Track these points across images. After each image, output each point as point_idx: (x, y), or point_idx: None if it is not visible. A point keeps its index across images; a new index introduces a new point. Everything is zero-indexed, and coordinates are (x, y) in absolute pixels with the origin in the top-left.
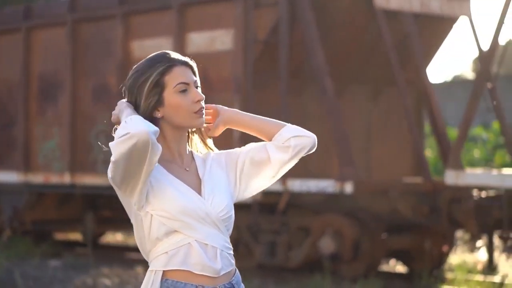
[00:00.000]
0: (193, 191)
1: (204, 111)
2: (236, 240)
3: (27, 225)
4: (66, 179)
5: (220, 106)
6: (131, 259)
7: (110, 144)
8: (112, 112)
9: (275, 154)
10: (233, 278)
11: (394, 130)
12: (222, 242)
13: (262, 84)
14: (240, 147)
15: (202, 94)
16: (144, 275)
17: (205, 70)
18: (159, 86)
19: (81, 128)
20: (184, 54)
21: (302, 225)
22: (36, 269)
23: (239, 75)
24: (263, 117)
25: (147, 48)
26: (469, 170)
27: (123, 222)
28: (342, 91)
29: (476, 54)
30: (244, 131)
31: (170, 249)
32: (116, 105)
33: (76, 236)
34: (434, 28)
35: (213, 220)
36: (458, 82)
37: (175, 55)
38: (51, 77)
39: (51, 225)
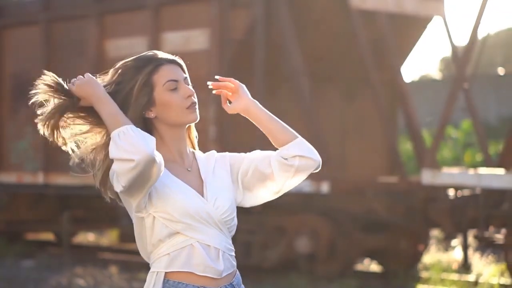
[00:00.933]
0: (195, 192)
1: (196, 106)
2: None
3: (0, 225)
4: (39, 179)
5: (244, 87)
6: (104, 259)
7: (114, 167)
8: (76, 82)
9: (278, 171)
10: (234, 279)
11: (369, 130)
12: (224, 244)
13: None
14: (215, 147)
15: (193, 89)
16: (118, 275)
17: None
18: (148, 86)
19: None
20: None
21: (278, 225)
22: (10, 270)
23: (214, 75)
24: (278, 121)
25: (122, 47)
26: (445, 170)
27: (96, 222)
28: (317, 90)
29: (447, 54)
30: (255, 123)
31: (172, 251)
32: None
33: (47, 236)
34: (409, 28)
35: (215, 221)
36: (425, 82)
37: (162, 54)
38: (24, 76)
39: (24, 226)
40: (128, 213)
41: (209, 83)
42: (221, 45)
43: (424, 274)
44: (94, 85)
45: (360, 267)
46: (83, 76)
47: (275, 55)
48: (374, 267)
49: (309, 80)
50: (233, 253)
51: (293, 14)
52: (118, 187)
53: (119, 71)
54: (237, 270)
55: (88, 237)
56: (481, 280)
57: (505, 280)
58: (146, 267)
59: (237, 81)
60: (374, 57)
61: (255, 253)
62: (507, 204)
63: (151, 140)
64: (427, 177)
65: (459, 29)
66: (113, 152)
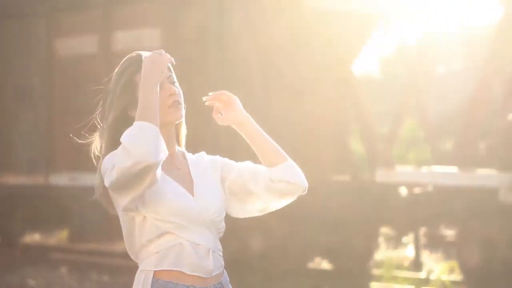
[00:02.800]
0: (185, 191)
1: (180, 105)
2: None
3: None
4: None
5: (237, 100)
6: (54, 259)
7: (119, 148)
8: (148, 59)
9: (264, 192)
10: (222, 278)
11: (322, 128)
12: (214, 243)
13: (192, 83)
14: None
15: (177, 88)
16: (69, 276)
17: None
18: (131, 86)
19: (2, 127)
20: (110, 53)
21: (230, 224)
22: None
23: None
24: (269, 139)
25: (72, 47)
26: (399, 167)
27: (43, 223)
28: (270, 89)
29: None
30: (246, 138)
31: (161, 249)
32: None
33: None
34: (360, 27)
35: (205, 221)
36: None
37: (146, 53)
38: None
39: None
40: (117, 211)
41: (204, 98)
42: (174, 43)
43: (376, 272)
44: (154, 59)
45: (312, 265)
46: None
47: (229, 53)
48: (326, 265)
49: (262, 78)
50: (221, 253)
51: (247, 12)
52: (108, 180)
53: (113, 73)
54: (225, 270)
55: (35, 238)
56: (432, 277)
57: (455, 277)
58: (96, 267)
59: (230, 93)
60: (327, 55)
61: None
62: (459, 202)
63: (163, 151)
64: (382, 174)
65: (408, 28)
66: (125, 137)
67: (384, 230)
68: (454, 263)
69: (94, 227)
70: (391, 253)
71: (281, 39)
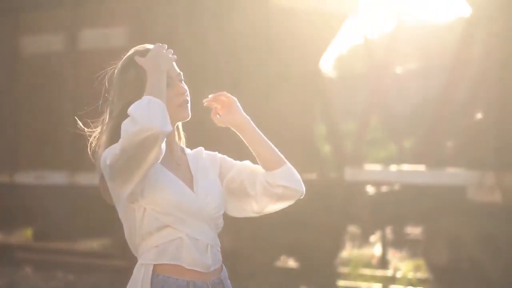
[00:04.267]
0: (185, 186)
1: (188, 105)
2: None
3: None
4: None
5: (237, 102)
6: (18, 258)
7: (123, 123)
8: (152, 52)
9: (261, 195)
10: (221, 273)
11: (290, 126)
12: (212, 238)
13: None
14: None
15: (186, 87)
16: (34, 275)
17: (99, 67)
18: (142, 80)
19: None
20: (77, 51)
21: None
22: None
23: None
24: (268, 143)
25: (38, 44)
26: (367, 166)
27: (8, 222)
28: (238, 86)
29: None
30: (245, 141)
31: (160, 243)
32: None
33: None
34: (327, 25)
35: (204, 216)
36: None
37: (151, 47)
38: None
39: None
40: (115, 205)
41: (204, 100)
42: (142, 42)
43: (342, 270)
44: (158, 52)
45: (279, 263)
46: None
47: (197, 51)
48: (292, 263)
49: (231, 76)
50: (219, 248)
51: (216, 10)
52: (110, 157)
53: (120, 62)
54: (223, 265)
55: None
56: (398, 275)
57: (421, 275)
58: (62, 266)
59: (229, 94)
60: (295, 54)
61: None
62: (427, 200)
63: (169, 124)
64: (350, 173)
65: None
66: (133, 107)
67: (352, 228)
68: (420, 261)
69: (59, 226)
70: (358, 251)
71: (249, 38)
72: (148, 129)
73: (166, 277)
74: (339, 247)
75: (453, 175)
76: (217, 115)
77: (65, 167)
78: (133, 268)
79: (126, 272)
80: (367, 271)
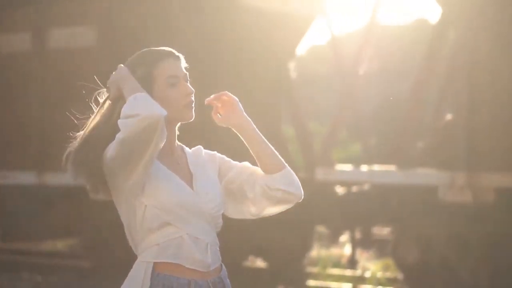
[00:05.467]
0: (185, 184)
1: (193, 105)
2: (96, 237)
3: None
4: None
5: (239, 102)
6: None
7: (119, 121)
8: (112, 75)
9: (260, 198)
10: (221, 272)
11: (256, 126)
12: (212, 237)
13: None
14: None
15: (192, 88)
16: (1, 275)
17: (67, 66)
18: (148, 80)
19: None
20: (44, 51)
21: None
22: None
23: (103, 72)
24: (269, 145)
25: (5, 43)
26: (338, 166)
27: None
28: (205, 85)
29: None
30: (246, 142)
31: (162, 241)
32: None
33: None
34: (295, 26)
35: (205, 215)
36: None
37: (165, 49)
38: None
39: None
40: (115, 203)
41: (206, 100)
42: (111, 41)
43: (311, 270)
44: (119, 70)
45: (247, 263)
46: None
47: None
48: (261, 263)
49: (199, 76)
50: (218, 247)
51: (184, 10)
52: (111, 149)
53: (125, 64)
54: (223, 264)
55: None
56: (366, 275)
57: (390, 275)
58: (29, 266)
59: (231, 94)
60: (261, 54)
61: None
62: (398, 200)
63: (163, 109)
64: (321, 173)
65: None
66: (124, 110)
67: (321, 228)
68: (389, 261)
69: (25, 226)
70: (328, 251)
71: (217, 37)
72: (149, 116)
73: (167, 275)
74: (308, 247)
75: (424, 175)
76: (218, 115)
77: (31, 167)
78: (100, 269)
79: (93, 272)
80: (336, 271)
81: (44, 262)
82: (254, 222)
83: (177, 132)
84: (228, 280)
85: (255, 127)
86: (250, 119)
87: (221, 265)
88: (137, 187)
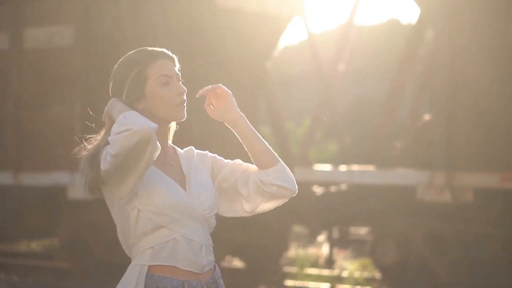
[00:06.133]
0: (178, 186)
1: (185, 105)
2: (74, 237)
3: None
4: None
5: (232, 96)
6: None
7: (110, 138)
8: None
9: (254, 194)
10: (215, 273)
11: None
12: (206, 238)
13: (107, 80)
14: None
15: (185, 88)
16: None
17: (44, 66)
18: (141, 78)
19: None
20: (20, 50)
21: None
22: None
23: (80, 71)
24: (262, 140)
25: None
26: (317, 166)
27: None
28: (184, 85)
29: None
30: (239, 138)
31: (156, 244)
32: None
33: None
34: (271, 27)
35: (198, 216)
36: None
37: (158, 49)
38: None
39: None
40: (108, 205)
41: (199, 92)
42: (88, 40)
43: (289, 270)
44: (110, 103)
45: (224, 263)
46: None
47: None
48: (238, 263)
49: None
50: (212, 248)
51: (161, 9)
52: (105, 162)
53: (118, 64)
54: (216, 265)
55: None
56: (344, 275)
57: (367, 274)
58: (5, 267)
59: (225, 88)
60: (239, 55)
61: (121, 250)
62: (377, 200)
63: (153, 123)
64: (300, 173)
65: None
66: (114, 128)
67: (299, 228)
68: (367, 261)
69: (1, 227)
70: (305, 251)
71: (195, 37)
72: (140, 130)
73: (161, 277)
74: (285, 247)
75: (402, 175)
76: (211, 106)
77: (8, 167)
78: (78, 269)
79: (70, 273)
80: (313, 271)
81: (20, 263)
82: (232, 222)
83: (171, 133)
84: (222, 281)
85: (248, 122)
86: (243, 114)
87: (214, 266)
88: (130, 194)
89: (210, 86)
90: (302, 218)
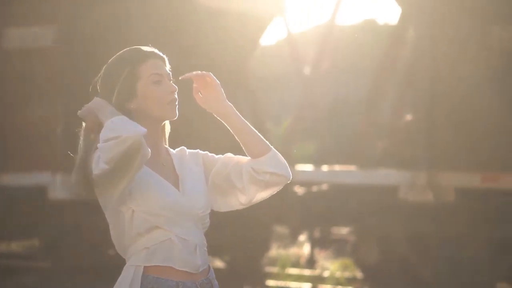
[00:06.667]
0: (172, 186)
1: (177, 103)
2: (55, 237)
3: None
4: None
5: (220, 86)
6: None
7: (99, 146)
8: (86, 105)
9: (248, 184)
10: (209, 274)
11: (216, 125)
12: (200, 238)
13: (89, 80)
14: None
15: (176, 86)
16: None
17: (25, 66)
18: (133, 77)
19: None
20: (1, 51)
21: None
22: None
23: (63, 72)
24: (253, 130)
25: None
26: (299, 166)
27: None
28: None
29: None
30: (230, 129)
31: (151, 245)
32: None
33: None
34: (252, 26)
35: (192, 216)
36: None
37: (149, 48)
38: None
39: None
40: (102, 207)
41: (187, 74)
42: (70, 41)
43: (270, 269)
44: (95, 102)
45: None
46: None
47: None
48: (219, 263)
49: None
50: (206, 248)
51: (144, 9)
52: (97, 168)
53: (108, 64)
54: (210, 265)
55: None
56: (325, 275)
57: (348, 274)
58: None
59: (214, 77)
60: (221, 55)
61: (104, 251)
62: (359, 200)
63: (142, 128)
64: None
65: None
66: (103, 134)
67: (280, 228)
68: (348, 261)
69: None
70: (286, 250)
71: (177, 37)
72: (130, 137)
73: (155, 277)
74: (266, 246)
75: (384, 175)
76: (199, 94)
77: None
78: (60, 270)
79: (51, 274)
80: (295, 271)
81: (1, 264)
82: (212, 222)
83: (166, 136)
84: (216, 282)
85: (237, 112)
86: (232, 105)
87: (209, 266)
88: (123, 196)
89: (200, 72)
90: (283, 218)
